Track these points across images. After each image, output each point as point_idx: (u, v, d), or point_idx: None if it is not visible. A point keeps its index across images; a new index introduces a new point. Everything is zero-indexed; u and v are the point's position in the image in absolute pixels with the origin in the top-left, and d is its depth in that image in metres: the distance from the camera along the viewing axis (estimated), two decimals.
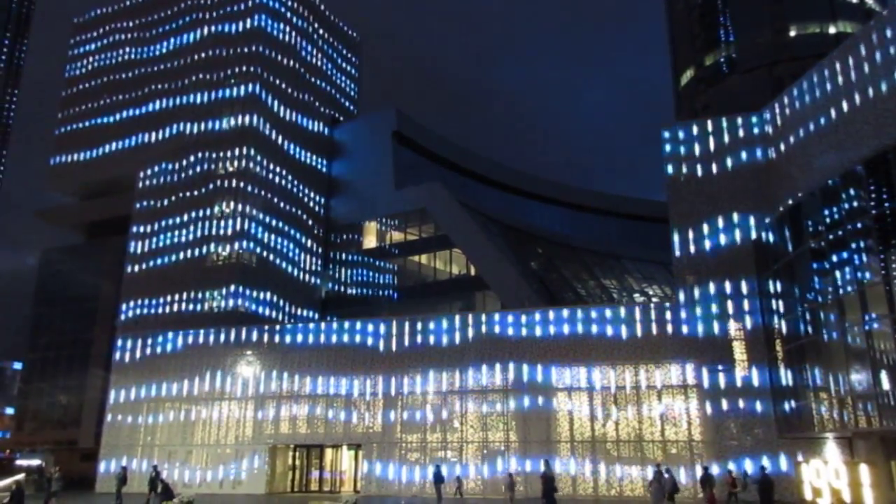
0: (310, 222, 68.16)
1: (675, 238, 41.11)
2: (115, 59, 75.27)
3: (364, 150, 70.65)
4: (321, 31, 75.09)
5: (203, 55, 68.57)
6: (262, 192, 62.99)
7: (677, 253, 40.96)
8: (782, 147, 38.94)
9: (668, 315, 40.67)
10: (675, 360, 39.91)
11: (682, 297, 40.37)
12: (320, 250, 69.04)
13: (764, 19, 74.29)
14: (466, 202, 64.12)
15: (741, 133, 41.37)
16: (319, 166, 70.62)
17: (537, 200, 77.32)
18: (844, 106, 33.32)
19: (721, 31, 77.97)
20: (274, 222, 63.53)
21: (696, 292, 39.96)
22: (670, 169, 42.16)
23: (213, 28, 68.90)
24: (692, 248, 40.59)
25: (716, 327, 39.11)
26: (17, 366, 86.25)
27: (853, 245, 29.13)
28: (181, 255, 63.01)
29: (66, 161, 74.00)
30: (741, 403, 37.72)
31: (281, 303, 62.77)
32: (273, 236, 63.15)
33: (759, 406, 37.31)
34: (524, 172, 79.43)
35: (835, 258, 30.35)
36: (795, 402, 34.01)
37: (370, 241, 71.39)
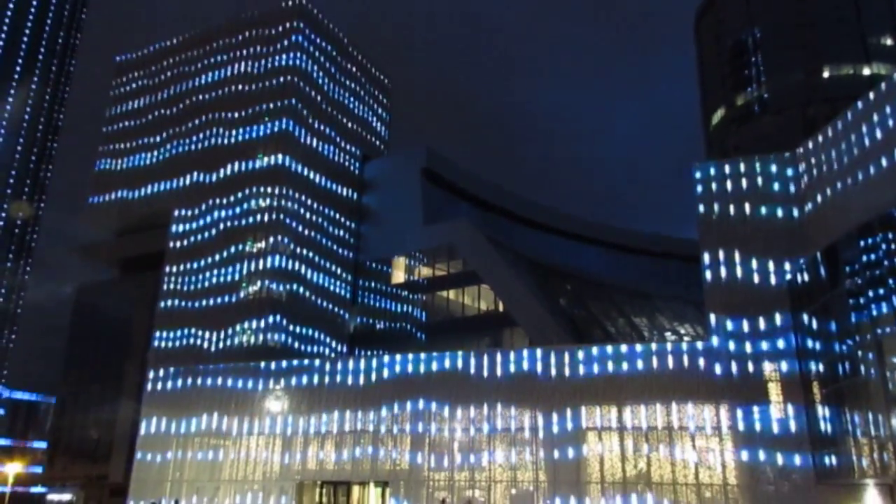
0: (340, 251, 68.59)
1: (707, 275, 40.66)
2: (154, 98, 77.29)
3: (394, 186, 71.23)
4: (353, 71, 76.49)
5: (240, 87, 70.09)
6: (295, 225, 63.76)
7: (709, 286, 40.46)
8: (816, 188, 38.55)
9: (701, 354, 39.97)
10: (709, 401, 39.05)
11: (714, 335, 39.72)
12: (350, 278, 69.27)
13: (796, 60, 73.95)
14: (495, 238, 64.15)
15: (774, 173, 41.07)
16: (350, 196, 71.36)
17: (567, 238, 77.08)
18: (880, 148, 32.98)
19: (752, 71, 77.74)
20: (305, 253, 64.08)
21: (730, 330, 39.29)
22: (702, 208, 41.91)
23: (250, 64, 70.58)
24: (724, 286, 40.05)
25: (750, 366, 38.31)
26: (52, 400, 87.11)
27: (891, 283, 28.55)
28: (213, 289, 63.81)
29: (103, 199, 75.67)
30: (778, 447, 36.71)
31: (311, 335, 62.95)
32: (305, 268, 63.64)
33: (796, 451, 36.28)
34: (554, 209, 79.31)
35: (872, 297, 29.75)
36: (834, 447, 33.02)
37: (399, 276, 71.65)
